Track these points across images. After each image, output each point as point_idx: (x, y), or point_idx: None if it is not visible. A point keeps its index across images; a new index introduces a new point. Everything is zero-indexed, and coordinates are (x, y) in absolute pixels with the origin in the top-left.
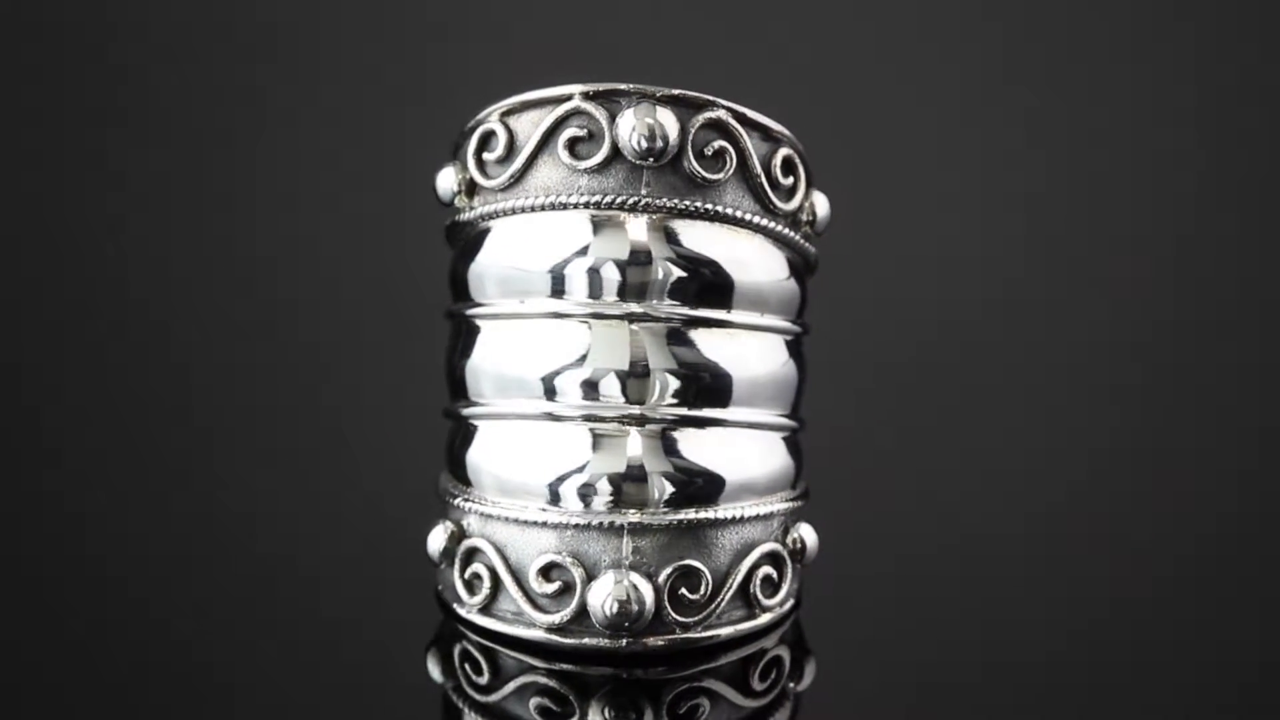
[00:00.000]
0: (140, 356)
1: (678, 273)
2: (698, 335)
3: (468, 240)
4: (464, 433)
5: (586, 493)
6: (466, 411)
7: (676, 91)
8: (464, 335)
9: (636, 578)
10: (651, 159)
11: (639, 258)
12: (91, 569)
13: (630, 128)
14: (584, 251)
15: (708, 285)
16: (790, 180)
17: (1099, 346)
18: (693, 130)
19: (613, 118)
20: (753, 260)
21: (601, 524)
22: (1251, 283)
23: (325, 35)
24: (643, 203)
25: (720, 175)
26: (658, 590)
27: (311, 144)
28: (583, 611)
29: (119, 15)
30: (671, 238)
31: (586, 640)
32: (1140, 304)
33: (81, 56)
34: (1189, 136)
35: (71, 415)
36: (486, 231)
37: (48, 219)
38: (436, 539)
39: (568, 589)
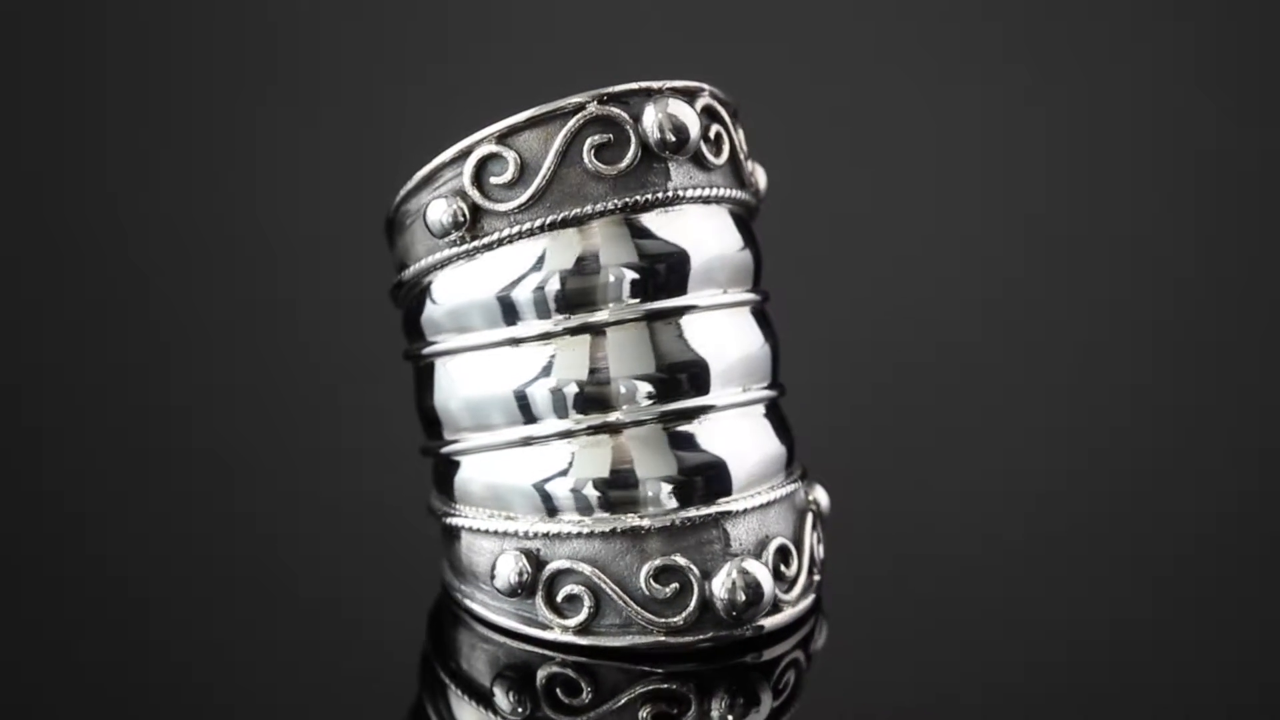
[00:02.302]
0: (138, 355)
1: (703, 257)
2: (704, 321)
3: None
4: (465, 460)
5: (678, 490)
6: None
7: (679, 83)
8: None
9: (751, 563)
10: (669, 151)
11: (657, 256)
12: (91, 572)
13: (655, 124)
14: (614, 257)
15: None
16: (746, 149)
17: (1099, 341)
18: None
19: (635, 118)
20: (729, 237)
21: (693, 519)
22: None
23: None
24: (672, 195)
25: (722, 159)
26: (770, 571)
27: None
28: (704, 607)
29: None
30: (650, 234)
31: (710, 634)
32: (1145, 294)
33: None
34: (1176, 122)
35: (62, 417)
36: (500, 256)
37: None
38: (509, 571)
39: (684, 588)
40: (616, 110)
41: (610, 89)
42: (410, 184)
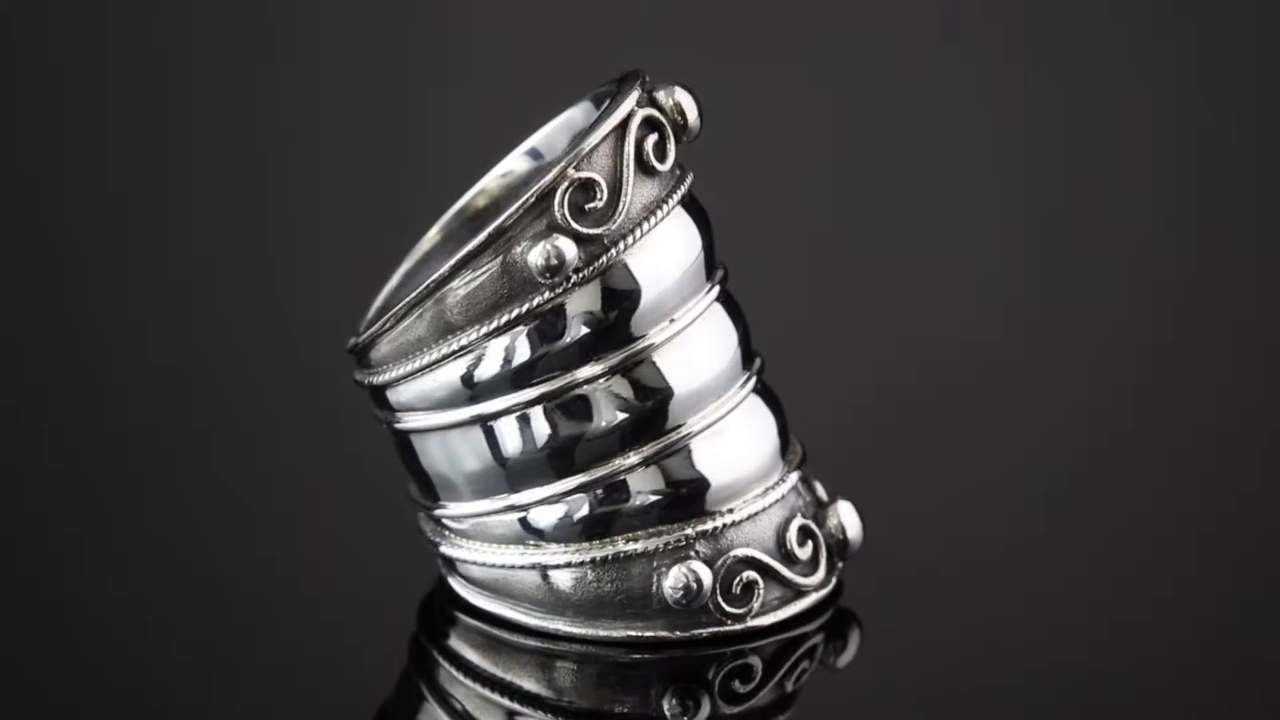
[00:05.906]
0: (136, 353)
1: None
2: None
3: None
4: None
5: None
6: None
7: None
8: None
9: (841, 505)
10: (684, 134)
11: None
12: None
13: (679, 110)
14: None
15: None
16: None
17: (1099, 340)
18: None
19: (659, 109)
20: (692, 229)
21: (796, 487)
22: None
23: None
24: (686, 185)
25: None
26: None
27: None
28: (830, 557)
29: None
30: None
31: (834, 581)
32: (1145, 291)
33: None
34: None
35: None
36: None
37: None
38: (681, 582)
39: (815, 545)
40: (651, 109)
41: (640, 88)
42: (473, 245)
